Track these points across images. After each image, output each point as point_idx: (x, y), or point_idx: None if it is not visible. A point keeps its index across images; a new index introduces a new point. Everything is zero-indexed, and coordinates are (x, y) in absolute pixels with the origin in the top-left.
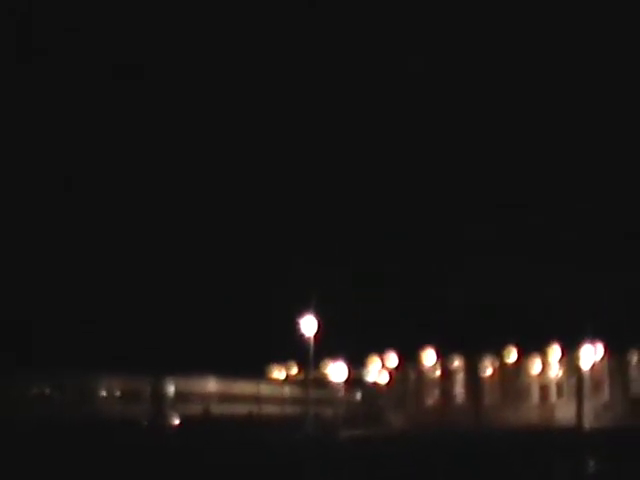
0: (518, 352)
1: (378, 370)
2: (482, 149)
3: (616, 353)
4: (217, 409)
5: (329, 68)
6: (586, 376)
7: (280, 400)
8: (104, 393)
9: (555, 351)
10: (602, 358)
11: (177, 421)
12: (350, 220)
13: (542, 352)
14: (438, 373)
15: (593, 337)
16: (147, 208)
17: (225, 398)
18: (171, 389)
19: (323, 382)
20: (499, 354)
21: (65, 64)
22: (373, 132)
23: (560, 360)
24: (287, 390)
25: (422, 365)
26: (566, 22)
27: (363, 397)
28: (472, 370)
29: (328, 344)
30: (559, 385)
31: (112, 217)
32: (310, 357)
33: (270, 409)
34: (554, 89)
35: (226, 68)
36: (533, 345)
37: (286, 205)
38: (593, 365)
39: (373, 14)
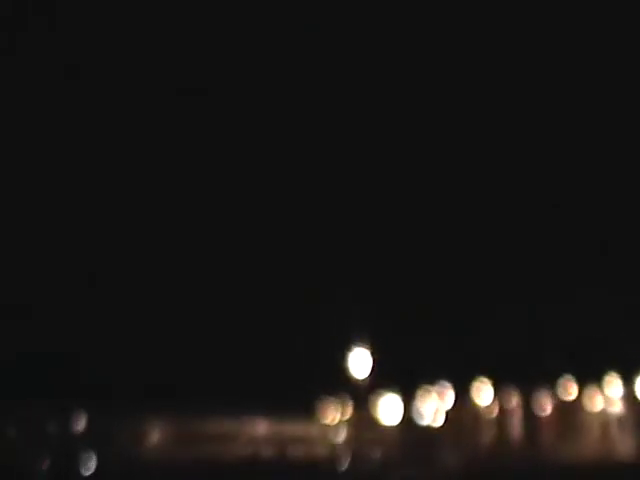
0: (576, 386)
1: (432, 408)
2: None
3: None
4: (266, 452)
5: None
6: None
7: (328, 441)
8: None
9: (615, 384)
10: None
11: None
12: (398, 255)
13: (601, 386)
14: (494, 411)
15: None
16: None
17: (274, 440)
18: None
19: (374, 422)
20: (556, 389)
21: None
22: (421, 167)
23: (621, 394)
24: (337, 431)
25: (477, 403)
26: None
27: (416, 437)
28: (529, 407)
29: (380, 382)
30: (620, 420)
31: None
32: (361, 396)
33: (319, 450)
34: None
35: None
36: (591, 379)
37: (334, 239)
38: None
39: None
